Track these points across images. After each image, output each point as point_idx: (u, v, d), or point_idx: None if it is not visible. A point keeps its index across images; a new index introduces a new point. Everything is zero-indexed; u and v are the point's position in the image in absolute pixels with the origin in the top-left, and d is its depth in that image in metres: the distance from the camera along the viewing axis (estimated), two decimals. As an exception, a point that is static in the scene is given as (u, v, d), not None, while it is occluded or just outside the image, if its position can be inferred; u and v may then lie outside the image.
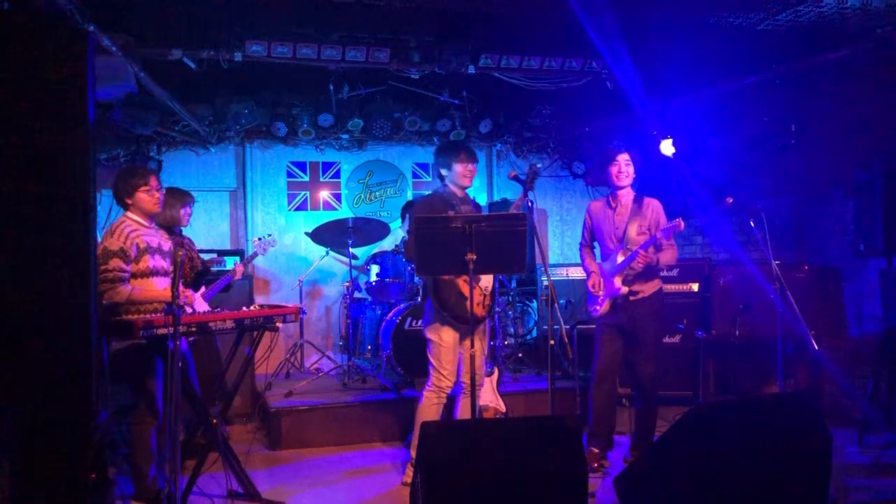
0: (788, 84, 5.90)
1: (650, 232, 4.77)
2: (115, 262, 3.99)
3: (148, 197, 4.20)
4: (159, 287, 4.20)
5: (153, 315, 3.87)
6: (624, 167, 4.82)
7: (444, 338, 4.44)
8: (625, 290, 4.75)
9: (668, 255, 4.80)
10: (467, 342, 4.56)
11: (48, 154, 2.78)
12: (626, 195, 4.89)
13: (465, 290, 4.34)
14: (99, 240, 4.13)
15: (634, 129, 6.80)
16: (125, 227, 4.14)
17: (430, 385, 4.51)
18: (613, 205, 4.91)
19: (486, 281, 4.47)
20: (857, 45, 5.08)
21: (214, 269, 5.90)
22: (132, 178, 4.21)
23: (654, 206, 4.85)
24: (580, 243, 5.16)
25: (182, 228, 5.38)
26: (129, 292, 4.03)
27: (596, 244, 5.11)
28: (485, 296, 4.45)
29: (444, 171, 4.55)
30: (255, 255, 6.08)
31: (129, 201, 4.21)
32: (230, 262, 6.11)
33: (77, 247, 2.84)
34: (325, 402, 5.68)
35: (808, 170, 6.31)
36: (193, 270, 5.28)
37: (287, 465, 5.08)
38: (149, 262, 4.17)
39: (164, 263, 4.30)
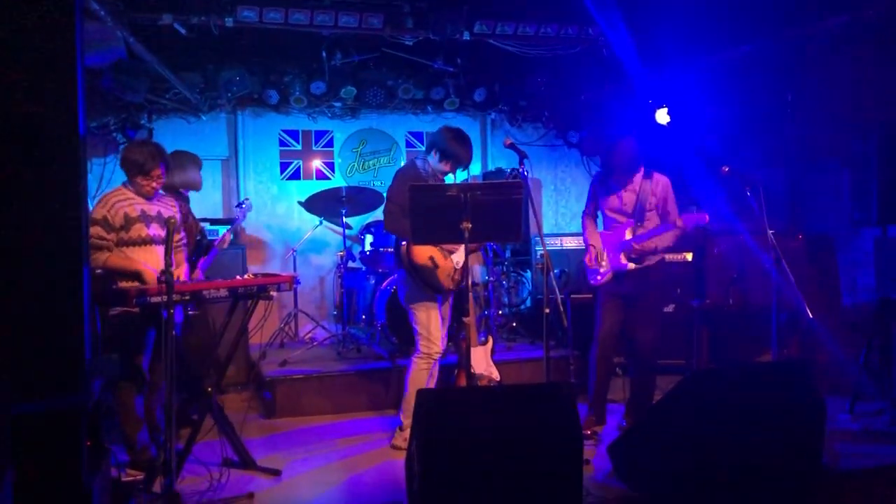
0: (786, 52, 5.86)
1: (658, 209, 4.82)
2: (95, 230, 4.01)
3: (145, 184, 4.18)
4: (158, 254, 4.15)
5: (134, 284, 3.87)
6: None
7: (426, 304, 4.51)
8: (631, 266, 4.80)
9: (669, 237, 4.82)
10: (445, 309, 4.64)
11: (37, 122, 2.74)
12: (639, 176, 4.90)
13: (439, 258, 4.46)
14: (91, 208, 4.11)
15: (630, 98, 6.76)
16: (114, 197, 4.14)
17: (419, 352, 4.59)
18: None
19: (459, 255, 4.50)
20: (858, 13, 5.03)
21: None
22: (140, 158, 4.14)
23: (662, 183, 4.87)
24: (583, 212, 5.14)
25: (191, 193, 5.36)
26: (104, 259, 4.03)
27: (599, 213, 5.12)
28: (455, 269, 4.50)
29: (435, 153, 4.51)
30: (238, 222, 6.06)
31: (128, 176, 4.20)
32: (222, 231, 6.09)
33: (68, 216, 2.81)
34: (319, 371, 5.69)
35: (803, 139, 6.29)
36: (194, 238, 5.22)
37: (282, 434, 5.10)
38: (143, 230, 4.15)
39: (162, 232, 4.24)
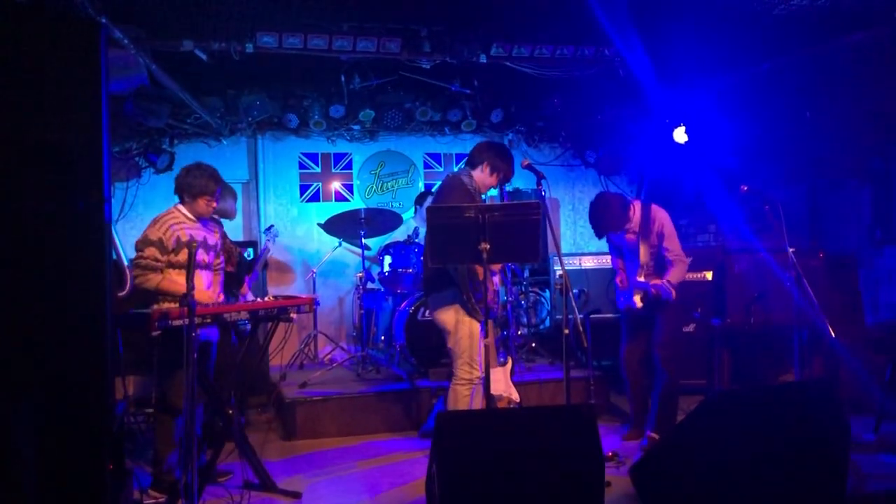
0: (803, 70, 5.84)
1: (658, 244, 4.93)
2: (151, 251, 4.14)
3: (206, 205, 4.36)
4: (203, 279, 4.34)
5: (168, 307, 3.91)
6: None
7: (472, 328, 4.41)
8: (640, 304, 4.89)
9: (677, 273, 4.91)
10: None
11: (63, 149, 2.78)
12: (635, 212, 4.98)
13: (487, 280, 4.39)
14: (115, 233, 4.18)
15: (647, 118, 6.76)
16: (169, 219, 4.27)
17: (459, 379, 4.45)
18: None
19: (497, 277, 4.57)
20: (875, 30, 5.02)
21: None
22: (202, 183, 4.31)
23: (659, 218, 4.95)
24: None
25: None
26: (159, 281, 4.16)
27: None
28: (496, 291, 4.51)
29: (485, 166, 4.49)
30: (267, 248, 6.18)
31: (187, 199, 4.34)
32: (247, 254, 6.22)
33: (92, 241, 2.85)
34: (339, 393, 5.69)
35: (822, 157, 6.26)
36: (235, 258, 5.30)
37: (302, 455, 5.10)
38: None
39: (207, 257, 4.43)
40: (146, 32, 5.04)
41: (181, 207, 4.36)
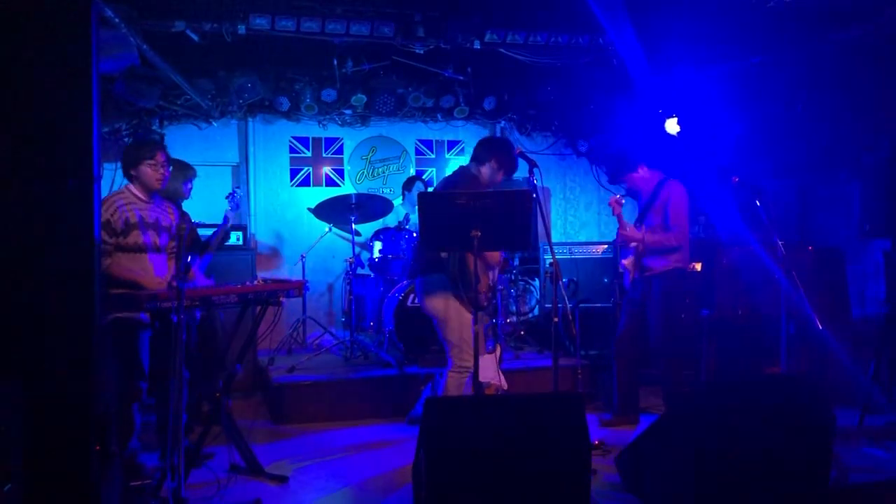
0: (796, 64, 5.86)
1: (661, 211, 5.09)
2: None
3: (151, 171, 4.18)
4: (151, 263, 4.17)
5: (158, 288, 3.87)
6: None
7: (462, 314, 4.40)
8: (626, 262, 5.16)
9: (667, 236, 5.06)
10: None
11: (51, 128, 2.76)
12: (645, 174, 5.21)
13: (481, 272, 4.35)
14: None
15: (639, 108, 6.76)
16: (117, 200, 4.12)
17: (452, 365, 4.45)
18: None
19: (494, 273, 4.58)
20: (868, 25, 5.03)
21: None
22: (139, 150, 4.21)
23: (667, 189, 5.12)
24: None
25: (182, 202, 5.31)
26: (107, 265, 3.96)
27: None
28: (490, 286, 4.49)
29: (493, 162, 4.46)
30: (227, 219, 5.80)
31: (132, 172, 4.20)
32: (233, 238, 6.13)
33: (81, 220, 2.82)
34: (327, 378, 5.69)
35: (814, 150, 6.28)
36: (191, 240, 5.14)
37: (289, 440, 5.11)
38: (139, 237, 4.13)
39: (159, 239, 4.25)
40: (138, 12, 4.98)
41: (131, 187, 4.21)
